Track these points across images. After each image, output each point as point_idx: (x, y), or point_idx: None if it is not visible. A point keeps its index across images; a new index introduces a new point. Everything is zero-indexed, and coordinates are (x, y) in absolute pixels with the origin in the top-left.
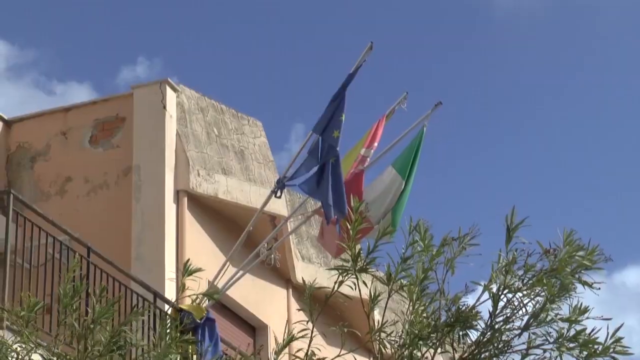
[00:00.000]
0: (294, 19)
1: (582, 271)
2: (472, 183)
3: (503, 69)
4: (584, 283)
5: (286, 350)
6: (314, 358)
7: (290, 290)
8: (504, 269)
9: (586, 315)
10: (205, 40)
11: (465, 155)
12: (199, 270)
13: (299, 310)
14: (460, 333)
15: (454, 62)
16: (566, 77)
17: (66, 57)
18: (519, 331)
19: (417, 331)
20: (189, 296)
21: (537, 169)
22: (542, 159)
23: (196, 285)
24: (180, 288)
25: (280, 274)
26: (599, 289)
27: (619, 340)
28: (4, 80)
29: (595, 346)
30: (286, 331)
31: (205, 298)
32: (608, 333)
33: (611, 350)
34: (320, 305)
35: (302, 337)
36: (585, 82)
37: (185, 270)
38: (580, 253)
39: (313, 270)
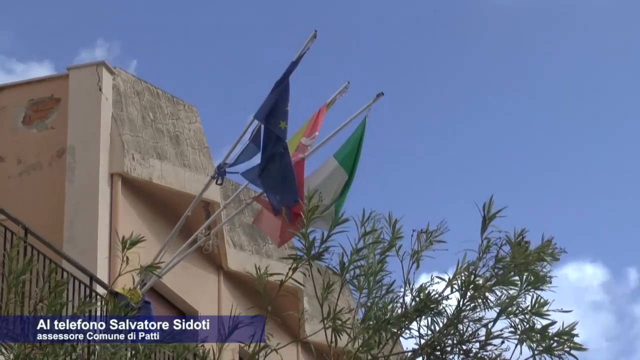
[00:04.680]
0: (248, 10)
1: (538, 264)
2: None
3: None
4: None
5: None
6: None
7: (222, 276)
8: (472, 262)
9: (546, 307)
10: (167, 27)
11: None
12: (141, 240)
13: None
14: (429, 319)
15: (401, 53)
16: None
17: (27, 37)
18: (487, 322)
19: (386, 316)
20: (130, 272)
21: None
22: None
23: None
24: (125, 261)
25: (212, 261)
26: (552, 278)
27: (572, 335)
28: None
29: (552, 341)
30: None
31: (142, 280)
32: (562, 327)
33: (566, 345)
34: (254, 293)
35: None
36: (540, 66)
37: (124, 243)
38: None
39: (244, 257)
